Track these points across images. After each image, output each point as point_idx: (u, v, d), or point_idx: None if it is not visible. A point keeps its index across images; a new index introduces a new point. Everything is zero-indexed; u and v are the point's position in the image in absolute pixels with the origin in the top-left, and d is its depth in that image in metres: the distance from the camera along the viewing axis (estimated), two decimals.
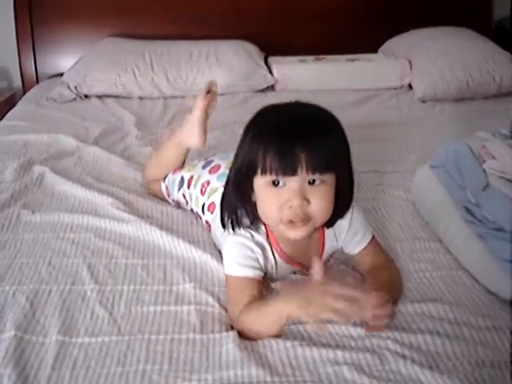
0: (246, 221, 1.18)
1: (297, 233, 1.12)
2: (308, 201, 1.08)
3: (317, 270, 1.02)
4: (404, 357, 1.01)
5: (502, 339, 1.06)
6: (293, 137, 1.07)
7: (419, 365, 0.99)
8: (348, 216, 1.22)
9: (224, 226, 1.21)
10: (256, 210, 1.16)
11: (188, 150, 1.62)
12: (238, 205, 1.17)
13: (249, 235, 1.18)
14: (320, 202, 1.10)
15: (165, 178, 1.64)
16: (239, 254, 1.16)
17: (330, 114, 1.14)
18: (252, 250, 1.17)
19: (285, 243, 1.20)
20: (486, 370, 0.99)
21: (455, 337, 1.06)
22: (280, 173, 1.07)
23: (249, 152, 1.10)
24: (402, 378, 0.96)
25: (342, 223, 1.22)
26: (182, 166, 1.65)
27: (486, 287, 1.22)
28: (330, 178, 1.10)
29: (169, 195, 1.63)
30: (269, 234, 1.20)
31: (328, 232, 1.23)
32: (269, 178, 1.08)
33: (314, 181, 1.08)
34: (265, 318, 1.07)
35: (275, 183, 1.09)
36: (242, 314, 1.10)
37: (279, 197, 1.09)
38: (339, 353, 1.02)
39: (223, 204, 1.21)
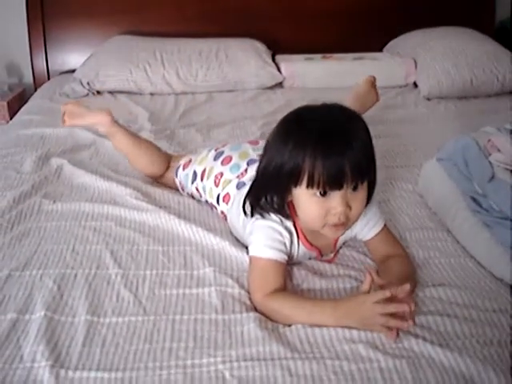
0: (271, 208, 1.23)
1: (337, 233, 1.21)
2: (350, 207, 1.15)
3: (367, 282, 1.09)
4: (416, 336, 1.06)
5: (508, 320, 1.12)
6: (340, 153, 1.10)
7: (430, 343, 1.04)
8: None
9: (246, 214, 1.27)
10: (285, 206, 1.21)
11: (120, 126, 1.74)
12: (270, 202, 1.21)
13: (278, 220, 1.23)
14: (359, 206, 1.17)
15: (177, 173, 1.68)
16: (268, 237, 1.22)
17: (359, 116, 1.19)
18: (281, 234, 1.22)
19: (308, 233, 1.26)
20: (493, 348, 1.05)
21: (464, 318, 1.12)
22: (327, 187, 1.12)
23: (291, 160, 1.13)
24: (415, 355, 1.02)
25: None
26: (159, 149, 1.77)
27: (491, 273, 1.28)
28: (365, 183, 1.17)
29: (183, 189, 1.68)
30: (295, 221, 1.25)
31: None
32: (315, 190, 1.13)
33: (354, 188, 1.14)
34: (306, 312, 1.12)
35: (321, 193, 1.13)
36: (274, 298, 1.15)
37: (324, 205, 1.14)
38: (354, 332, 1.08)
39: (250, 197, 1.26)
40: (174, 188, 1.72)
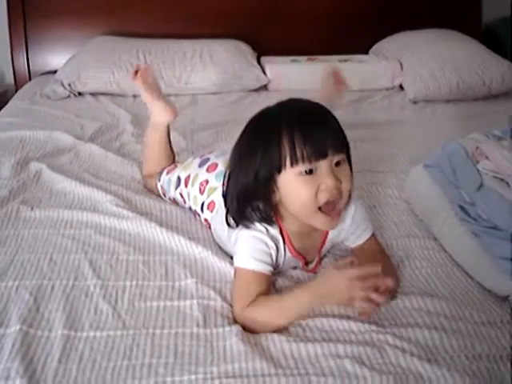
0: (256, 216, 1.20)
1: (333, 222, 1.17)
2: (340, 180, 1.13)
3: (346, 263, 1.08)
4: (403, 350, 1.04)
5: (496, 333, 1.10)
6: (316, 123, 1.12)
7: (418, 358, 1.02)
8: (351, 211, 1.26)
9: (230, 226, 1.23)
10: (271, 209, 1.18)
11: (167, 129, 1.71)
12: (255, 208, 1.18)
13: (264, 230, 1.20)
14: (347, 179, 1.15)
15: (160, 177, 1.65)
16: (254, 248, 1.18)
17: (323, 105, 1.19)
18: (267, 245, 1.19)
19: (294, 238, 1.23)
20: (482, 363, 1.02)
21: (452, 331, 1.10)
22: (313, 158, 1.10)
23: (268, 152, 1.12)
24: (402, 371, 0.99)
25: (345, 217, 1.25)
26: (173, 158, 1.73)
27: (480, 283, 1.25)
28: (346, 162, 1.16)
29: (164, 194, 1.64)
30: (281, 228, 1.22)
31: None
32: (300, 167, 1.10)
33: (338, 162, 1.13)
34: (283, 311, 1.11)
35: (307, 172, 1.11)
36: (250, 307, 1.12)
37: (313, 183, 1.12)
38: (340, 346, 1.05)
39: (233, 210, 1.21)
40: (155, 193, 1.68)
